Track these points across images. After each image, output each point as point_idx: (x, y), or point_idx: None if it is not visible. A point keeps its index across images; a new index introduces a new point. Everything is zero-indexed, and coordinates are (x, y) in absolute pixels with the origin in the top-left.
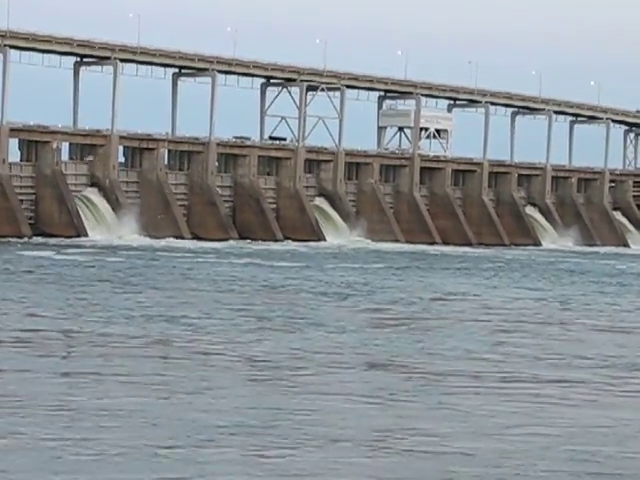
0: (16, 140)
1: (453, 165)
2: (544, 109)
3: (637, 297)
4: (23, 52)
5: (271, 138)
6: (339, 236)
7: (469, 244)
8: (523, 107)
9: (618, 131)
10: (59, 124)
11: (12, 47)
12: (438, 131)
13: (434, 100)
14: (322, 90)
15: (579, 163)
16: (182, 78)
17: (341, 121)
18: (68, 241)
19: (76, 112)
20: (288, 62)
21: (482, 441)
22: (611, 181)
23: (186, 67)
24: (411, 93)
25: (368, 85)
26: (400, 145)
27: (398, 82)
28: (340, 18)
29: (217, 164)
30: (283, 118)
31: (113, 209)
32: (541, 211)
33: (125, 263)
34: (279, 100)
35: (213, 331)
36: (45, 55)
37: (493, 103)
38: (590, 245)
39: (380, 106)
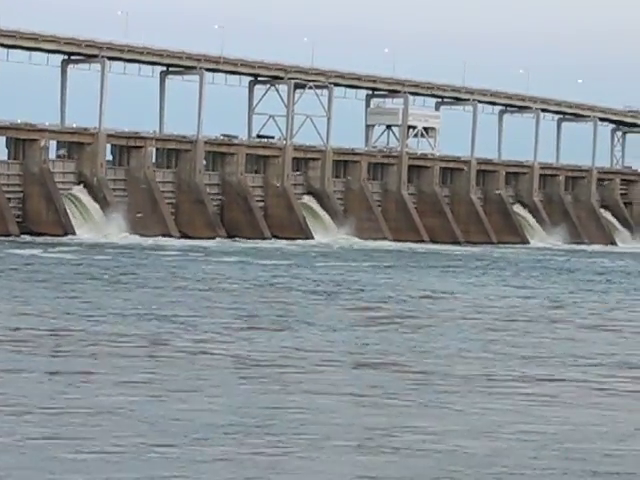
0: (3, 138)
1: (441, 163)
2: (531, 107)
3: (625, 295)
4: (10, 50)
5: (259, 136)
6: (327, 234)
7: (457, 242)
8: (510, 105)
9: (605, 129)
10: (47, 122)
11: None
12: (426, 129)
13: (422, 98)
14: (310, 88)
15: (567, 161)
16: (170, 76)
17: (329, 119)
18: (56, 239)
19: (63, 110)
20: (276, 60)
21: (475, 439)
22: (598, 179)
23: (174, 65)
24: (399, 91)
25: (356, 83)
26: (388, 143)
27: (386, 80)
28: (328, 16)
29: (205, 162)
30: (271, 116)
31: (101, 207)
32: (529, 209)
33: (113, 261)
34: (267, 98)
35: (204, 329)
36: (32, 53)
37: (481, 101)
38: (578, 243)
39: (368, 104)
